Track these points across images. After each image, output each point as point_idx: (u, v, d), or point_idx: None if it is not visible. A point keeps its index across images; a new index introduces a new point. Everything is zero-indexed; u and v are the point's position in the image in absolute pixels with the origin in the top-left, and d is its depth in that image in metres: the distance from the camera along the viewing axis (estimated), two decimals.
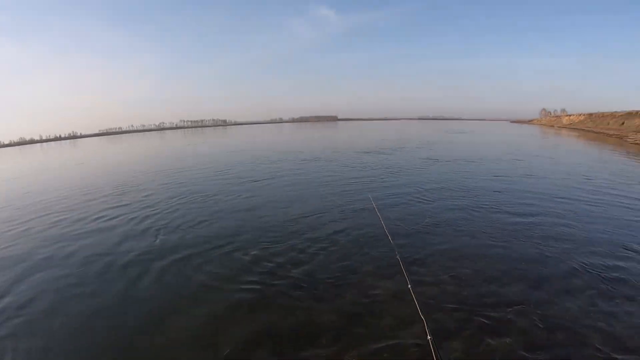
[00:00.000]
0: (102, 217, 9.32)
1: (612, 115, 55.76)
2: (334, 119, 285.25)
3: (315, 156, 21.50)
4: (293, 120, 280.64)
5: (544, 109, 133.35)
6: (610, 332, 3.84)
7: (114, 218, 9.12)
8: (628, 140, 32.81)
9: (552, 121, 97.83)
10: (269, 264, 5.77)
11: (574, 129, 62.25)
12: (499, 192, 10.46)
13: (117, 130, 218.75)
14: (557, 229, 6.94)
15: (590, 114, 69.49)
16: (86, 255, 6.63)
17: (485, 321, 4.04)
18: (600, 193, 10.02)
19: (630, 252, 5.81)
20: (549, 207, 8.63)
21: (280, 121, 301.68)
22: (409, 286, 2.95)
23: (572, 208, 8.50)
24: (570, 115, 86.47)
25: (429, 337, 2.16)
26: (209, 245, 6.72)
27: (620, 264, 5.38)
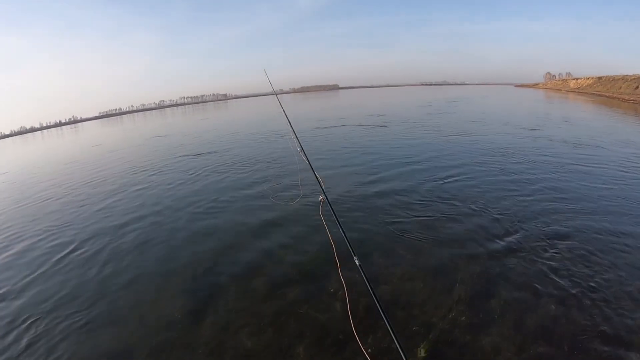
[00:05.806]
0: None
1: (624, 78, 52.06)
2: (335, 87, 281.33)
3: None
4: (294, 91, 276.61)
5: (548, 73, 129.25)
6: None
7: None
8: None
9: (558, 85, 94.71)
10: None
11: (583, 93, 59.73)
12: None
13: (117, 111, 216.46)
14: None
15: (600, 77, 66.29)
16: None
17: None
18: None
19: None
20: None
21: (281, 92, 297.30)
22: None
23: None
24: (577, 79, 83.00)
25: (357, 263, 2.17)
26: None
27: None
